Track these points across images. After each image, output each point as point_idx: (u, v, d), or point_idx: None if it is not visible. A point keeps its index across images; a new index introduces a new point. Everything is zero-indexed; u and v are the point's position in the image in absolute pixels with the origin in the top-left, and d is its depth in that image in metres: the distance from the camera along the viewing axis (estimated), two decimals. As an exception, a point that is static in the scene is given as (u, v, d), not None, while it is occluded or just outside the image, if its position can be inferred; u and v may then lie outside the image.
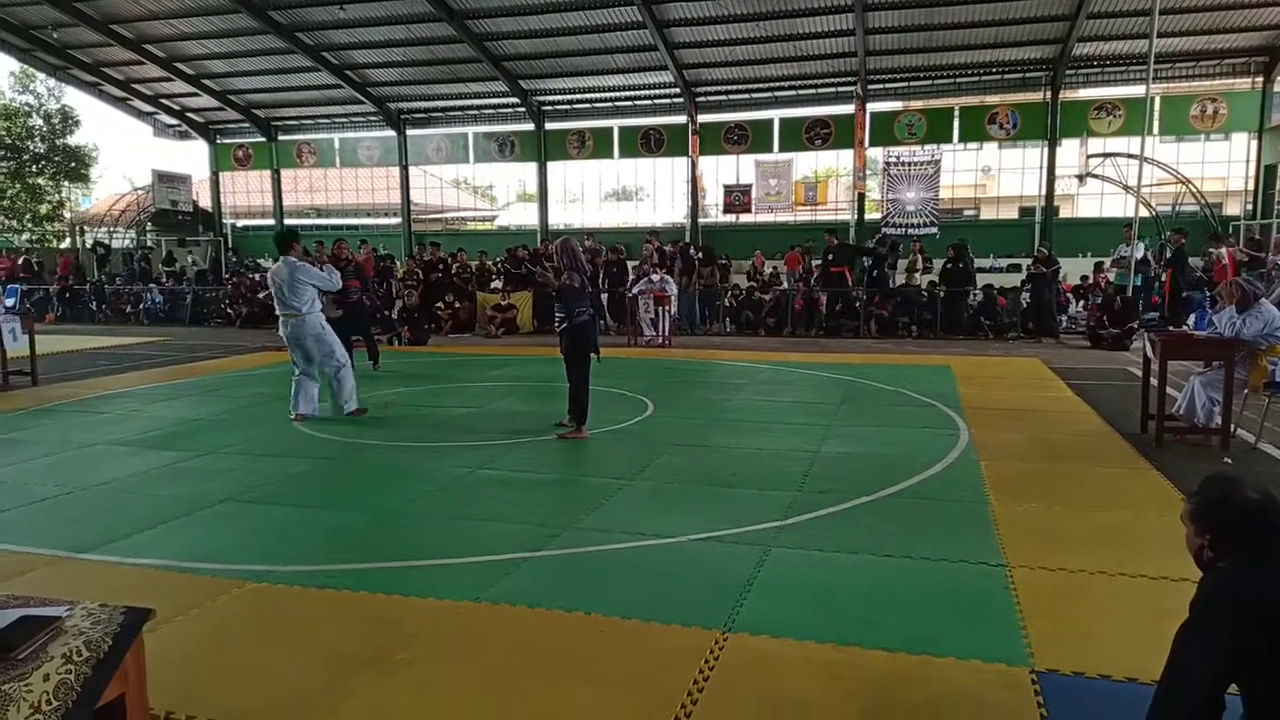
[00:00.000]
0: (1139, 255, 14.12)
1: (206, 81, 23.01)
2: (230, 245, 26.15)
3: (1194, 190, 18.43)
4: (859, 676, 3.00)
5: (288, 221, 25.93)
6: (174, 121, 25.44)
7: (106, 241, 25.56)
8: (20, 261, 22.20)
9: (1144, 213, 15.12)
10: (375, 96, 22.94)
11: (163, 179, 25.00)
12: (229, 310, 18.77)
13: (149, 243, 26.14)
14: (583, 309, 6.88)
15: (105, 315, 20.11)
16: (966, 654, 3.12)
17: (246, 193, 26.88)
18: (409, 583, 3.88)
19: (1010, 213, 23.49)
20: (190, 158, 27.20)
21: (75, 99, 32.63)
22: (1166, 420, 6.53)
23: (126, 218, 26.61)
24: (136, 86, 23.76)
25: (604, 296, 16.51)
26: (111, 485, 5.63)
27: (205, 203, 26.77)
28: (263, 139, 25.14)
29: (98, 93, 24.19)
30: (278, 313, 7.59)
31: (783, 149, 21.35)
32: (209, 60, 21.99)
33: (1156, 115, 18.17)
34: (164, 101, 24.52)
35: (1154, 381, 6.64)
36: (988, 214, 25.44)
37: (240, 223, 27.59)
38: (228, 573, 4.02)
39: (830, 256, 16.13)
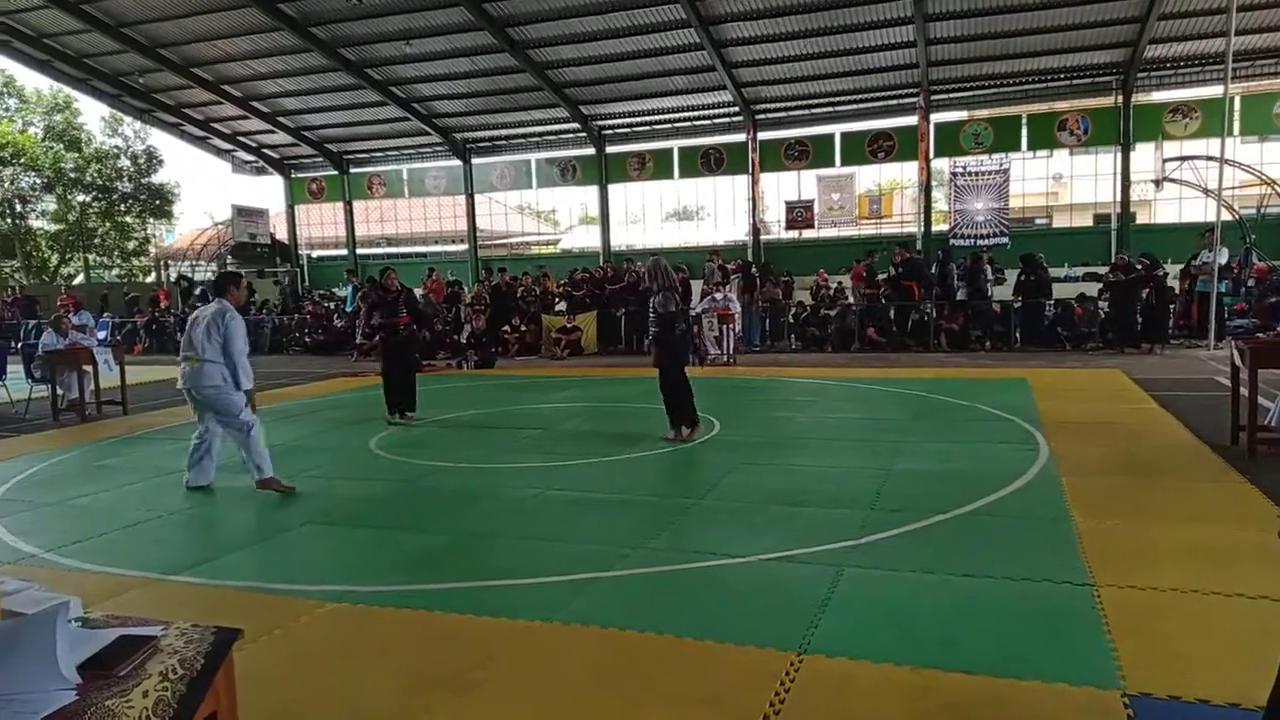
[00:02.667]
0: (1223, 261, 13.56)
1: (281, 119, 23.94)
2: (305, 276, 27.04)
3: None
4: (940, 700, 2.92)
5: (360, 252, 26.72)
6: (251, 158, 26.49)
7: (189, 274, 26.65)
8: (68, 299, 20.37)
9: (1226, 216, 14.53)
10: (441, 127, 23.53)
11: (241, 213, 26.04)
12: (306, 339, 19.36)
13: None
14: (682, 326, 7.60)
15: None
16: (1053, 677, 3.01)
17: (321, 224, 27.81)
18: (484, 603, 3.92)
19: (1084, 220, 22.85)
20: (267, 192, 28.31)
21: (158, 139, 34.33)
22: (1259, 432, 6.24)
23: (208, 251, 27.74)
24: (215, 125, 24.85)
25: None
26: (197, 509, 5.85)
27: (282, 235, 27.75)
28: (335, 172, 26.00)
29: (179, 132, 25.38)
30: (180, 355, 6.30)
31: (844, 163, 21.17)
32: (283, 98, 22.88)
33: (1237, 115, 17.49)
34: (241, 139, 25.57)
35: (1244, 391, 6.35)
36: (1060, 222, 24.79)
37: (315, 253, 28.52)
38: (309, 593, 4.12)
39: (900, 270, 15.85)
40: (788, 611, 3.68)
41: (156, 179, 34.97)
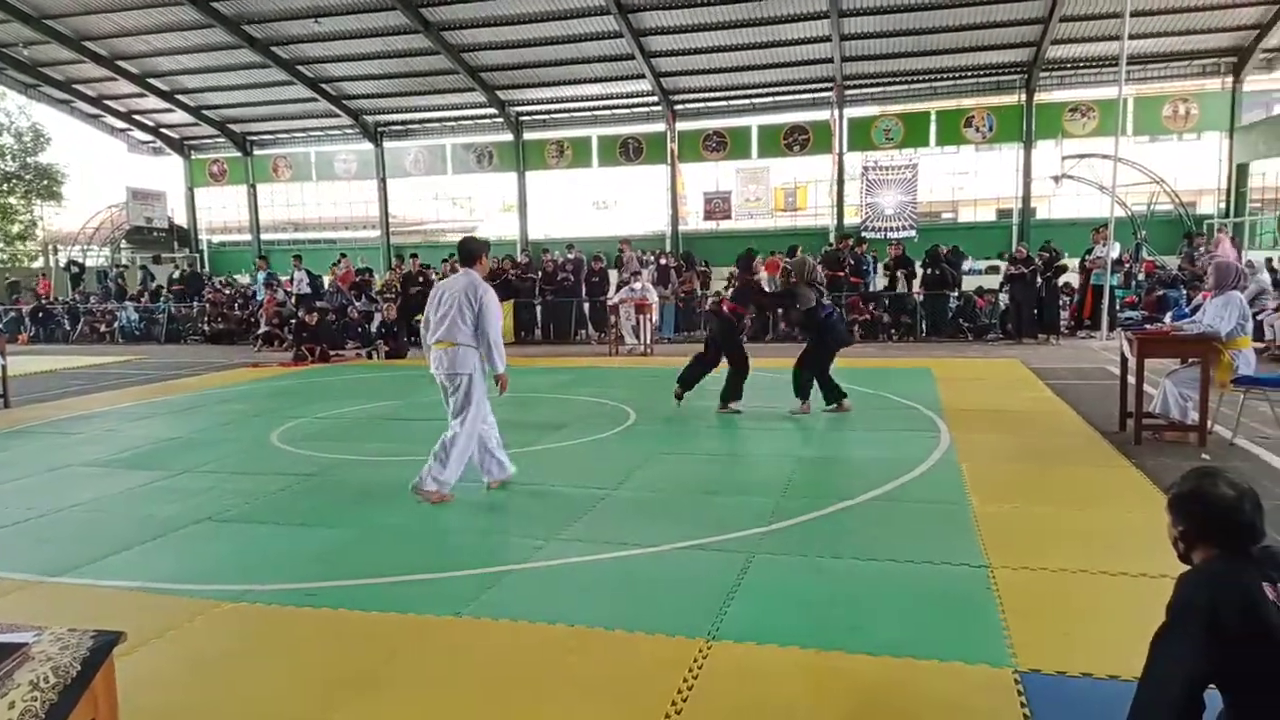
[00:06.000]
0: (1115, 255, 14.25)
1: (180, 97, 22.89)
2: (205, 262, 25.97)
3: (1168, 189, 18.66)
4: (843, 682, 2.99)
5: (265, 237, 25.78)
6: (147, 138, 25.28)
7: (80, 260, 25.29)
8: None
9: (1119, 213, 15.27)
10: (351, 109, 22.87)
11: (137, 196, 24.84)
12: (204, 328, 18.60)
13: (124, 261, 25.93)
14: (829, 311, 8.25)
15: (81, 334, 19.90)
16: (949, 656, 3.11)
17: (223, 208, 26.71)
18: (390, 599, 3.84)
19: (988, 215, 23.67)
20: (165, 174, 27.00)
21: (46, 116, 32.31)
22: (1145, 418, 6.58)
23: (100, 236, 26.35)
24: (109, 103, 23.61)
25: (585, 305, 16.50)
26: (85, 507, 5.55)
27: (181, 219, 26.58)
28: (238, 154, 25.01)
29: (70, 110, 24.01)
30: (428, 340, 5.56)
31: (761, 155, 21.44)
32: (183, 75, 21.87)
33: (1130, 116, 18.37)
34: (137, 118, 24.37)
35: (1131, 380, 6.69)
36: (966, 216, 25.62)
37: (216, 239, 27.40)
38: (205, 593, 3.96)
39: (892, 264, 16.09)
40: (698, 599, 3.72)
41: (43, 158, 33.00)
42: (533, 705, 2.92)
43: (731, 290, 9.08)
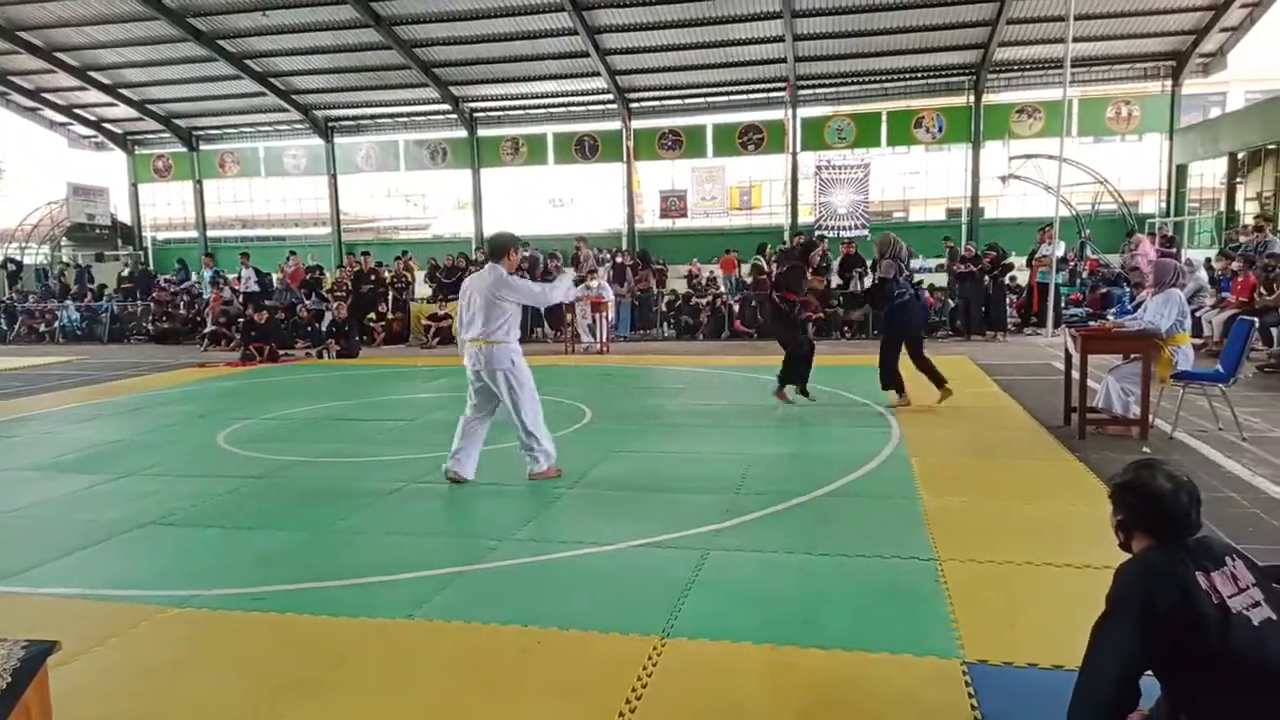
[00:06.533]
0: (1059, 253, 14.57)
1: (123, 91, 22.26)
2: (148, 259, 25.31)
3: (1111, 189, 19.14)
4: (796, 677, 3.02)
5: (211, 234, 25.21)
6: (89, 132, 24.54)
7: (18, 258, 24.49)
8: None
9: (1064, 212, 15.62)
10: (301, 104, 22.47)
11: (78, 192, 24.09)
12: (149, 327, 18.13)
13: (64, 258, 25.16)
14: (901, 291, 7.95)
15: (19, 334, 19.27)
16: (900, 648, 3.16)
17: (168, 205, 26.05)
18: (341, 603, 3.78)
19: (938, 214, 24.07)
20: (108, 169, 26.23)
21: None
22: (1088, 413, 6.74)
23: (39, 233, 25.53)
24: (47, 96, 22.88)
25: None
26: (23, 512, 5.38)
27: (124, 216, 25.85)
28: (184, 149, 24.42)
29: (5, 102, 23.20)
30: (461, 337, 5.74)
31: (716, 154, 21.53)
32: (126, 69, 21.27)
33: (1074, 117, 18.80)
34: (78, 112, 23.65)
35: (1076, 375, 6.85)
36: (916, 216, 26.02)
37: (161, 236, 26.73)
38: (149, 599, 3.87)
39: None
40: (653, 597, 3.72)
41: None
42: (486, 707, 2.90)
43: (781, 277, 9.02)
